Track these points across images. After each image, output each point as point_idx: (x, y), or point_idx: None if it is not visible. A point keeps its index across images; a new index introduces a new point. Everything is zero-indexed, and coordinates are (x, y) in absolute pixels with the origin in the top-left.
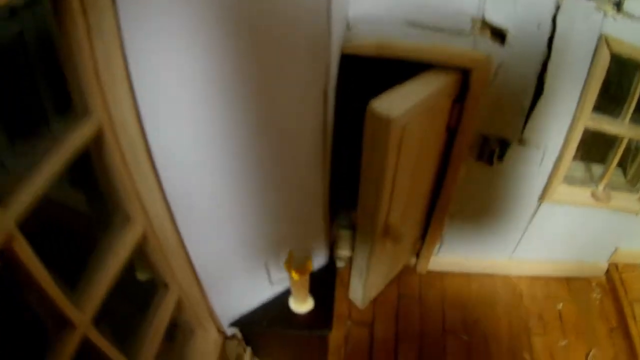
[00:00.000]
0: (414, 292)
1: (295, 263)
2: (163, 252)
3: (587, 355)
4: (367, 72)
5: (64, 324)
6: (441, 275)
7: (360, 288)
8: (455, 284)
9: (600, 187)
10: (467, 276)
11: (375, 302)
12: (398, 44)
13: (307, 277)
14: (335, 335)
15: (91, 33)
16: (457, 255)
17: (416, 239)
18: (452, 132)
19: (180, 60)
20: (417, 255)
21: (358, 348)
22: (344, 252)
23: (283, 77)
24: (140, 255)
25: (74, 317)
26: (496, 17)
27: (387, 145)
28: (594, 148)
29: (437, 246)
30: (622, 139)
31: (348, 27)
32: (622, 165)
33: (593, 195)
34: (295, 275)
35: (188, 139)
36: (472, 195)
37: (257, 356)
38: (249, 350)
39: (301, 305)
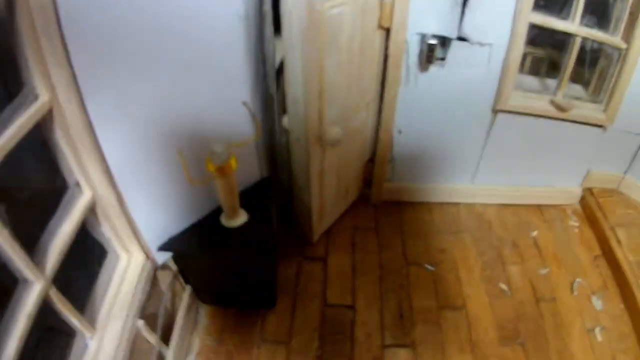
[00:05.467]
0: (370, 224)
1: (217, 160)
2: (73, 141)
3: (572, 284)
4: None
5: None
6: (398, 205)
7: (309, 216)
8: (414, 214)
9: (560, 94)
10: (427, 205)
11: (327, 235)
12: None
13: (232, 178)
14: (285, 273)
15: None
16: (412, 182)
17: (366, 162)
18: (387, 31)
19: None
20: (370, 183)
21: (312, 284)
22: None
23: None
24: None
25: None
26: None
27: (304, 24)
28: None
29: (389, 169)
30: (575, 39)
31: None
32: (584, 81)
33: (553, 103)
34: (216, 173)
35: None
36: (419, 107)
37: (195, 287)
38: (188, 288)
39: (232, 219)
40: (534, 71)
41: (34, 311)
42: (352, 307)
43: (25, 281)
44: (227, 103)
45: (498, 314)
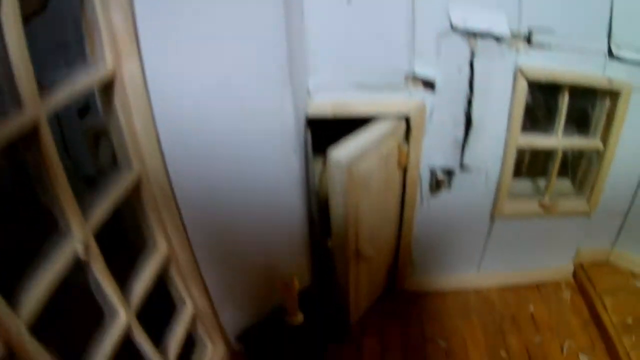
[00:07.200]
0: (395, 311)
1: (284, 279)
2: (182, 275)
3: (562, 346)
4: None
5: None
6: (418, 294)
7: (347, 309)
8: (431, 301)
9: (547, 197)
10: (442, 293)
11: (361, 321)
12: (349, 104)
13: (295, 294)
14: (329, 354)
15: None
16: (429, 275)
17: (391, 263)
18: (404, 169)
19: None
20: (395, 278)
21: None
22: None
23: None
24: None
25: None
26: (424, 72)
27: (344, 184)
28: (538, 165)
29: (409, 268)
30: (558, 151)
31: (309, 94)
32: (570, 175)
33: (540, 205)
34: (284, 288)
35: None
36: (432, 221)
37: None
38: None
39: (293, 318)
40: (533, 167)
41: None
42: None
43: None
44: (290, 241)
45: None
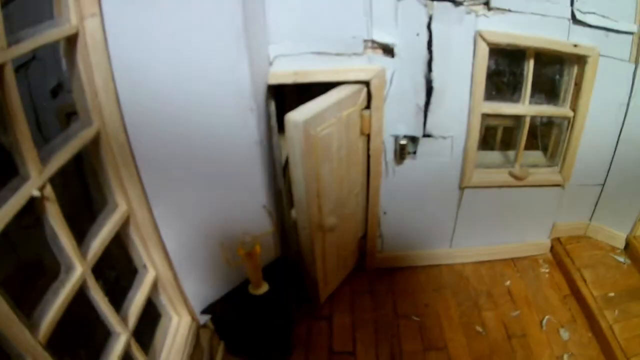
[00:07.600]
0: (365, 287)
1: (246, 247)
2: (142, 236)
3: (541, 321)
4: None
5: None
6: (389, 271)
7: (315, 285)
8: (403, 277)
9: (517, 166)
10: (413, 269)
11: (331, 298)
12: (310, 72)
13: (257, 260)
14: (298, 330)
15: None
16: (399, 251)
17: (360, 238)
18: (368, 137)
19: None
20: (364, 255)
21: (320, 337)
22: None
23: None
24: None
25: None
26: (382, 37)
27: (302, 145)
28: (511, 142)
29: (379, 242)
30: (525, 118)
31: (270, 63)
32: (541, 147)
33: (511, 174)
34: (245, 256)
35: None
36: (399, 192)
37: (228, 342)
38: (222, 343)
39: (257, 289)
40: (506, 140)
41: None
42: (353, 354)
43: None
44: (251, 204)
45: (474, 352)
